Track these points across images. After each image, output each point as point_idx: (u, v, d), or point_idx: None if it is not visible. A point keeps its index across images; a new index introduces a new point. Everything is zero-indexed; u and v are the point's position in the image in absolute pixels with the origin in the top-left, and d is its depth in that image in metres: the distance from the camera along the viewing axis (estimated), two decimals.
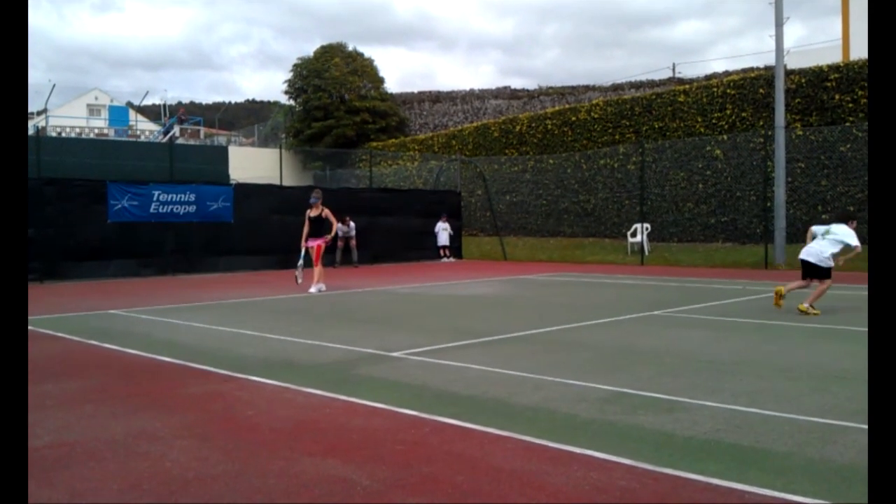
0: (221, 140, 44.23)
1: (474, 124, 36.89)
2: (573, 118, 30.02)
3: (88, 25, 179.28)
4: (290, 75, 44.70)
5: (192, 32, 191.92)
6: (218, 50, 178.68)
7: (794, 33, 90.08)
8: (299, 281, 14.03)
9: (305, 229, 14.09)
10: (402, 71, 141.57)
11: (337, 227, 14.30)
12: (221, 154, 26.33)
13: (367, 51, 61.59)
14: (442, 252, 24.00)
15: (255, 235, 19.62)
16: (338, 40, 51.85)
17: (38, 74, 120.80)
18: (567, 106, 32.79)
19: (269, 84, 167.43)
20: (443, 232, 24.07)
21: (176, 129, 36.19)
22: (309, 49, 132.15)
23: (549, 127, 30.90)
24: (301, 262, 14.22)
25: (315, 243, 13.96)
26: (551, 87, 41.87)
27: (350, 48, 45.02)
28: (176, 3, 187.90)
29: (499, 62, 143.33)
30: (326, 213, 14.07)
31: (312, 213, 14.06)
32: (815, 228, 10.31)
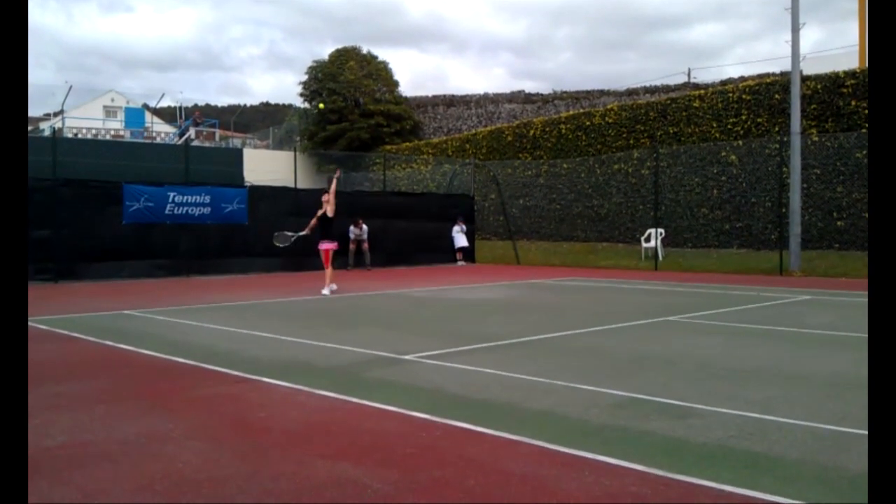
0: (236, 142, 44.48)
1: (488, 128, 36.90)
2: (587, 123, 29.96)
3: (98, 25, 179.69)
4: (300, 76, 45.07)
5: (201, 33, 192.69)
6: (228, 51, 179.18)
7: (811, 36, 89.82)
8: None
9: (313, 222, 14.15)
10: (413, 73, 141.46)
11: (326, 210, 14.01)
12: (236, 156, 26.48)
13: (379, 52, 61.44)
14: (458, 255, 24.01)
15: (269, 237, 19.54)
16: (348, 42, 52.36)
17: (47, 75, 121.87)
18: (581, 110, 32.72)
19: (279, 85, 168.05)
20: (459, 235, 24.09)
21: (191, 132, 36.46)
22: (319, 50, 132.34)
23: (564, 131, 30.85)
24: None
25: (327, 246, 13.99)
26: (565, 92, 41.81)
27: (364, 51, 45.22)
28: (185, 4, 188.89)
29: (511, 64, 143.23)
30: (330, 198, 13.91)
31: (329, 211, 13.94)
32: None
